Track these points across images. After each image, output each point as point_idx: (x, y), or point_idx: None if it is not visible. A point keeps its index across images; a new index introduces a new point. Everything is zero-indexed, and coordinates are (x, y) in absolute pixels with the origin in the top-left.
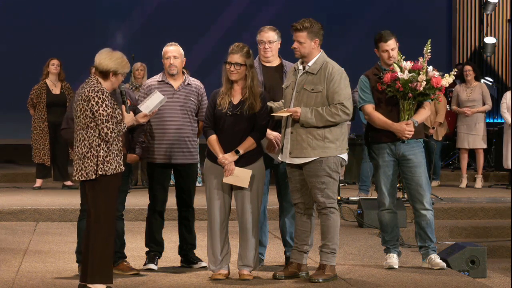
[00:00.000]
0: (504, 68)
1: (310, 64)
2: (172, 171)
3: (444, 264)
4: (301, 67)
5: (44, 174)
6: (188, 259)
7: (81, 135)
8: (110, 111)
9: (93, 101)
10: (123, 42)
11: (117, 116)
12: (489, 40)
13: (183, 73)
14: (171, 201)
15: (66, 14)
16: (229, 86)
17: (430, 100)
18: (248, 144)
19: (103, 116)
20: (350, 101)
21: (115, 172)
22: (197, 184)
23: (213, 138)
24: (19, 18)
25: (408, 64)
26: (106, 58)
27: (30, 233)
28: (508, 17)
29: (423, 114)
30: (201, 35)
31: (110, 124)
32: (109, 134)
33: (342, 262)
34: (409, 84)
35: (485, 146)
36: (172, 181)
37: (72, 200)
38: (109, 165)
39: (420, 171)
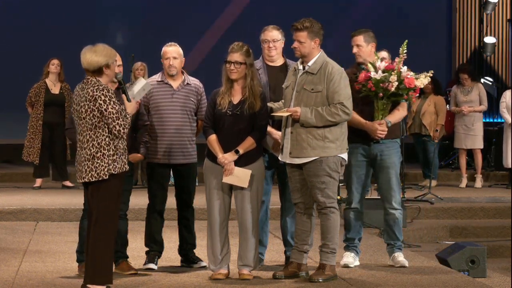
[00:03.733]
0: (504, 68)
1: (310, 64)
2: (171, 171)
3: (405, 262)
4: (301, 67)
5: (41, 173)
6: (188, 258)
7: (88, 136)
8: (118, 108)
9: (100, 100)
10: (123, 42)
11: (123, 111)
12: (489, 40)
13: (182, 73)
14: (171, 201)
15: (66, 14)
16: (229, 85)
17: (404, 100)
18: (248, 144)
19: (113, 114)
20: (350, 100)
21: (120, 171)
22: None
23: (213, 137)
24: (19, 18)
25: (382, 64)
26: (92, 55)
27: (30, 233)
28: (508, 17)
29: (398, 115)
30: (201, 35)
31: (121, 121)
32: (122, 130)
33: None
34: (381, 84)
35: (481, 146)
36: (171, 181)
37: (72, 200)
38: (116, 164)
39: (391, 172)
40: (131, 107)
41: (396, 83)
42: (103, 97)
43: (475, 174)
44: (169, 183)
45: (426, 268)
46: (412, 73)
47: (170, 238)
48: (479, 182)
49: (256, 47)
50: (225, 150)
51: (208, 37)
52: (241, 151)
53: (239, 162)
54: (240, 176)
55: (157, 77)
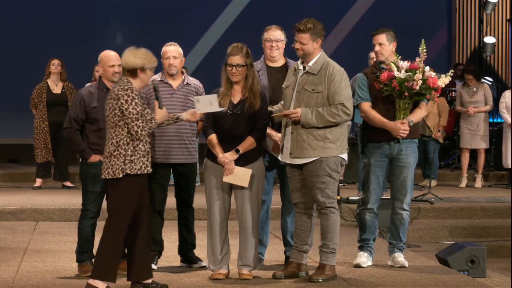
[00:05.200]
0: (504, 68)
1: (310, 64)
2: (171, 171)
3: (405, 263)
4: (301, 67)
5: (44, 173)
6: (188, 258)
7: (109, 133)
8: (140, 109)
9: (122, 99)
10: (123, 42)
11: (146, 115)
12: (489, 40)
13: (182, 72)
14: (171, 201)
15: (66, 14)
16: (229, 86)
17: (426, 100)
18: (248, 143)
19: (133, 115)
20: (350, 101)
21: (138, 173)
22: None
23: (213, 137)
24: (19, 18)
25: (405, 64)
26: (131, 56)
27: (30, 232)
28: (508, 17)
29: (419, 114)
30: (201, 35)
31: (140, 122)
32: (139, 132)
33: (341, 261)
34: (405, 83)
35: (486, 147)
36: (172, 181)
37: (72, 200)
38: (133, 164)
39: (407, 172)
40: (160, 114)
41: (421, 81)
42: (125, 97)
43: (476, 174)
44: (169, 183)
45: (426, 268)
46: (434, 73)
47: (170, 238)
48: (479, 182)
49: (256, 48)
50: (225, 149)
51: (208, 37)
52: (241, 151)
53: (240, 162)
54: (241, 176)
55: (157, 77)
